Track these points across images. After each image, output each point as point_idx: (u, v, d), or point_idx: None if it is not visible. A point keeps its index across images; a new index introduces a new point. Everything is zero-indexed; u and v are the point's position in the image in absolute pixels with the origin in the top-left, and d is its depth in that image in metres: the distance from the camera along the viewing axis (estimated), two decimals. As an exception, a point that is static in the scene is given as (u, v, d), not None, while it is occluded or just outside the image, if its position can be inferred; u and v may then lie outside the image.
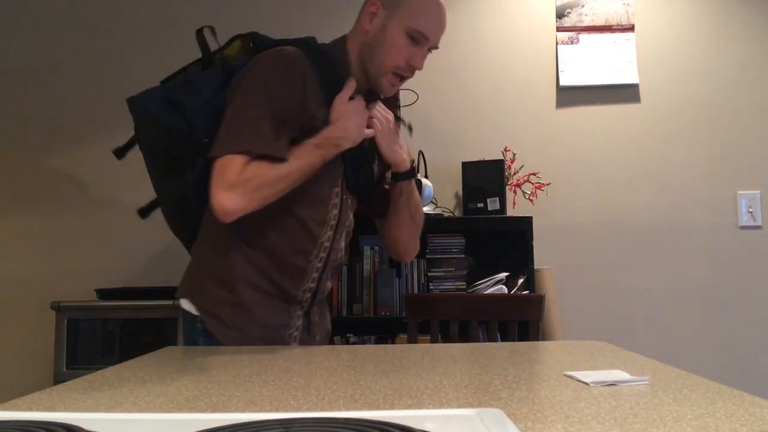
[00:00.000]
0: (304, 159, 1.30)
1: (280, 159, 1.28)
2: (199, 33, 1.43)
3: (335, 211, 1.43)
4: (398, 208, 1.52)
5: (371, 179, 1.51)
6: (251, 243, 1.38)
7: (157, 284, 2.62)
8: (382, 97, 1.48)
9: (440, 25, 1.42)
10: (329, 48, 1.45)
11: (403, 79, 1.42)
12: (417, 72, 1.42)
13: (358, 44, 1.42)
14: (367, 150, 1.46)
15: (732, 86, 2.75)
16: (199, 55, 1.44)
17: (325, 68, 1.39)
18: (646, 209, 2.72)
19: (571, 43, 2.75)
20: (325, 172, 1.37)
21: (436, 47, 1.43)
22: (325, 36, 1.47)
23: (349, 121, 1.34)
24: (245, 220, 1.29)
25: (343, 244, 1.49)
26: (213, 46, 1.45)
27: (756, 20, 2.76)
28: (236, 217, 1.27)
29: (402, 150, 1.46)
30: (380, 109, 1.44)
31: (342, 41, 1.45)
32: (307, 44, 1.41)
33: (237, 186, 1.25)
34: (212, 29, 1.47)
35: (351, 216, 1.50)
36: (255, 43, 1.45)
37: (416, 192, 1.53)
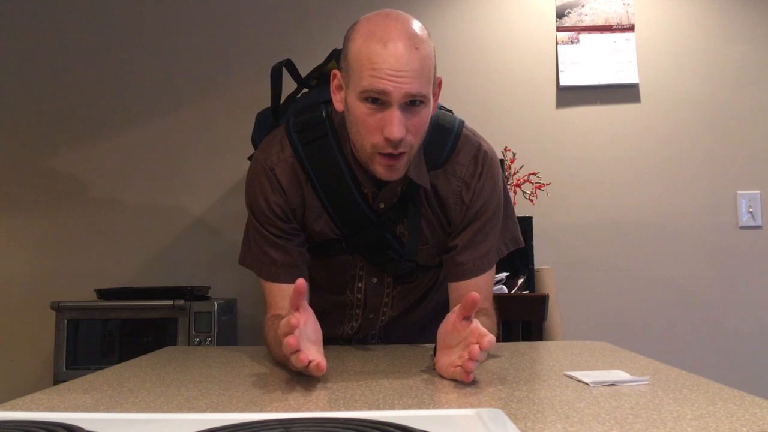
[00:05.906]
0: (274, 352, 1.17)
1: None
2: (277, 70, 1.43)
3: (359, 295, 1.39)
4: None
5: (414, 269, 1.35)
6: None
7: (157, 284, 2.62)
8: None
9: (398, 68, 1.05)
10: (338, 125, 1.23)
11: (396, 156, 1.11)
12: None
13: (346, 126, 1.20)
14: (397, 247, 1.29)
15: (732, 86, 2.74)
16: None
17: (325, 162, 1.22)
18: (646, 209, 2.71)
19: (571, 43, 2.75)
20: (340, 266, 1.34)
21: (415, 97, 1.08)
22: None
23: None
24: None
25: (387, 310, 1.42)
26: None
27: (756, 20, 2.76)
28: None
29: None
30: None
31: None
32: (311, 124, 1.24)
33: None
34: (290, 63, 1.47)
35: (393, 291, 1.39)
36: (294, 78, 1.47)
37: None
